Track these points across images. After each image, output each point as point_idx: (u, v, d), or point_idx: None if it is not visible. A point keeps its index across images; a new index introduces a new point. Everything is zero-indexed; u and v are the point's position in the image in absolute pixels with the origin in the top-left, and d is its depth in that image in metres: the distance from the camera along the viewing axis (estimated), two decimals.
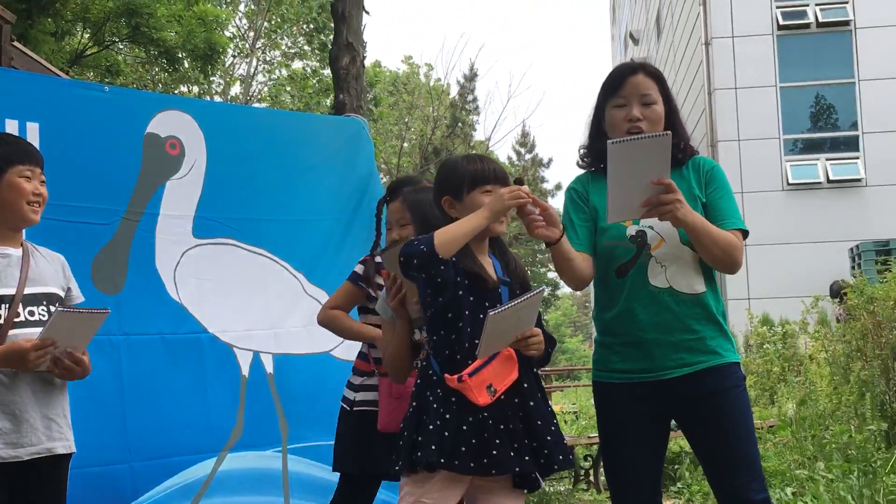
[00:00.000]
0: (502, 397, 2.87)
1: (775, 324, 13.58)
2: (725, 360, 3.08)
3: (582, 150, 3.30)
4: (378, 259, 3.75)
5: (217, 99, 22.12)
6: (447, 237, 2.85)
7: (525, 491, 2.97)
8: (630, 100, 3.15)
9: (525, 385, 2.95)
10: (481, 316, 2.84)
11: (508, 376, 2.90)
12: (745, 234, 3.14)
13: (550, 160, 42.32)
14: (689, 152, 3.23)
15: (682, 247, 3.08)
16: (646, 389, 3.07)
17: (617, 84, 3.19)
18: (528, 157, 40.55)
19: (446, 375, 2.85)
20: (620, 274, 3.13)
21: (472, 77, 29.95)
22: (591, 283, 3.25)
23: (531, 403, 2.92)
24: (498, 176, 3.05)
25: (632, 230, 3.13)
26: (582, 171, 3.32)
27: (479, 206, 2.98)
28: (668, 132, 2.82)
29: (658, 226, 3.06)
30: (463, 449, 2.78)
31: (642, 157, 2.78)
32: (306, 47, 22.80)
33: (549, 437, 2.90)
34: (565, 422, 12.41)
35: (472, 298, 2.92)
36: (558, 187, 40.68)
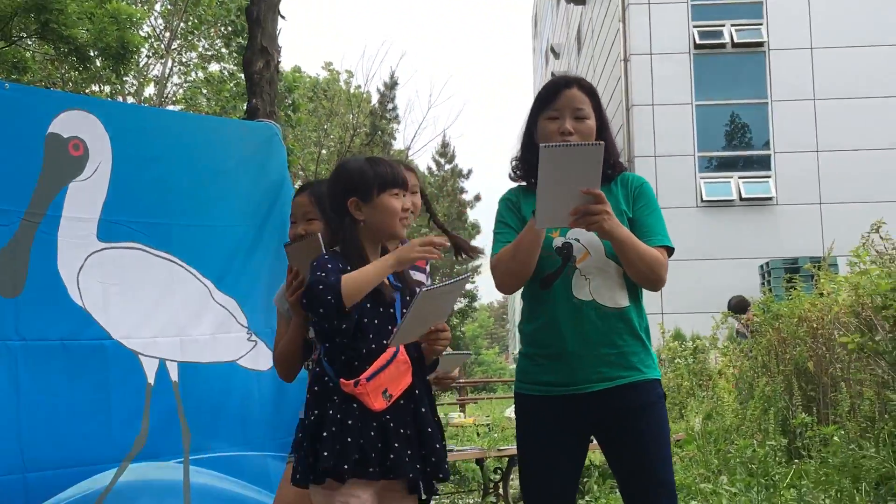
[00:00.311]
0: (401, 402, 2.89)
1: (687, 339, 13.83)
2: (646, 376, 3.11)
3: (514, 163, 3.32)
4: None
5: (130, 100, 21.70)
6: (354, 288, 2.84)
7: (418, 498, 2.98)
8: (563, 113, 3.17)
9: (416, 391, 2.97)
10: (376, 321, 2.88)
11: (403, 381, 2.92)
12: (670, 251, 3.17)
13: (470, 171, 42.50)
14: (618, 168, 3.27)
15: (608, 260, 3.11)
16: (566, 403, 3.10)
17: (551, 97, 3.21)
18: (447, 167, 40.70)
19: (342, 381, 2.85)
20: (545, 285, 3.15)
21: (392, 85, 29.98)
22: (517, 293, 3.29)
23: (422, 410, 2.95)
24: (402, 180, 3.08)
25: (558, 241, 3.15)
26: (514, 185, 3.34)
27: (389, 209, 3.00)
28: (601, 142, 2.85)
29: (584, 238, 3.09)
30: (372, 455, 2.80)
31: (574, 164, 2.80)
32: (224, 50, 22.52)
33: (437, 446, 2.93)
34: (477, 434, 12.45)
35: (368, 305, 2.93)
36: (477, 198, 40.90)
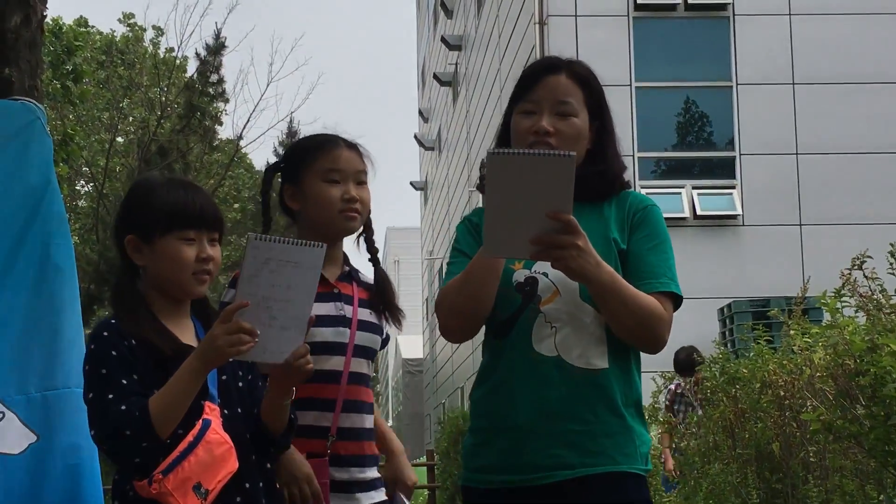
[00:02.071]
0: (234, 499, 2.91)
1: None
2: (621, 467, 3.12)
3: (482, 170, 3.33)
4: None
5: None
6: (166, 416, 2.91)
7: None
8: (541, 106, 3.22)
9: (247, 485, 2.99)
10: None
11: (222, 469, 2.93)
12: (676, 300, 3.20)
13: None
14: (619, 186, 3.32)
15: (583, 304, 3.15)
16: (519, 500, 3.11)
17: (528, 83, 3.27)
18: None
19: (135, 483, 2.91)
20: (499, 332, 3.20)
21: (217, 48, 29.69)
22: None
23: None
24: (206, 217, 3.10)
25: (520, 275, 3.20)
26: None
27: (172, 257, 3.04)
28: (572, 153, 2.86)
29: (555, 273, 3.09)
30: None
31: (536, 179, 2.84)
32: None
33: None
34: None
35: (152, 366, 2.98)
36: None
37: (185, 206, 3.09)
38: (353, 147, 3.70)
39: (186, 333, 3.17)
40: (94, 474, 4.56)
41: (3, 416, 4.69)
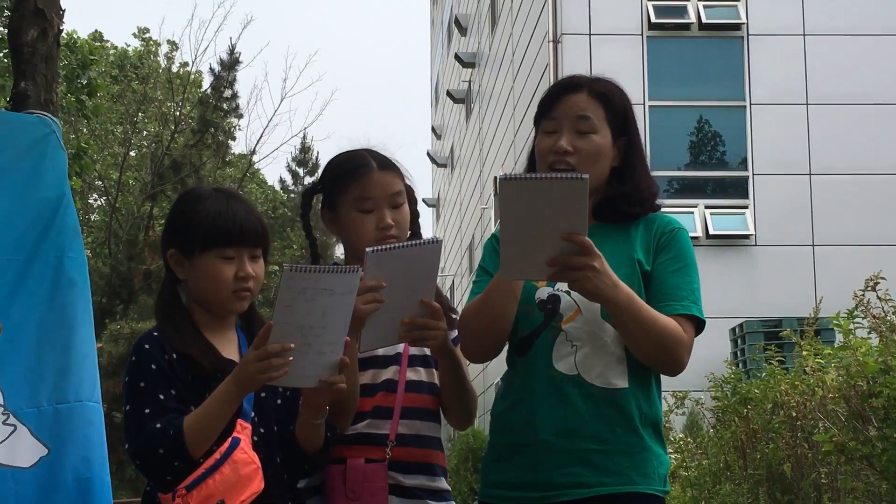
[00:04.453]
0: None
1: None
2: (639, 488, 3.12)
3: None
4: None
5: None
6: (201, 437, 2.93)
7: None
8: (561, 124, 3.22)
9: None
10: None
11: (247, 489, 2.93)
12: (698, 324, 3.22)
13: None
14: (648, 208, 3.32)
15: (604, 323, 3.15)
16: None
17: (550, 103, 3.27)
18: (309, 180, 40.65)
19: (160, 495, 2.92)
20: (521, 350, 3.21)
21: (231, 64, 29.84)
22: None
23: None
24: (246, 234, 3.10)
25: (543, 293, 3.20)
26: None
27: (210, 275, 3.05)
28: (585, 175, 2.86)
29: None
30: None
31: (550, 202, 2.86)
32: None
33: None
34: None
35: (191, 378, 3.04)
36: None
37: (225, 222, 3.07)
38: (386, 167, 3.54)
39: (229, 347, 3.17)
40: (104, 488, 4.56)
41: (15, 429, 4.70)
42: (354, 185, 3.45)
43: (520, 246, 2.91)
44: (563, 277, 2.95)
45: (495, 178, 27.56)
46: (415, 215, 3.63)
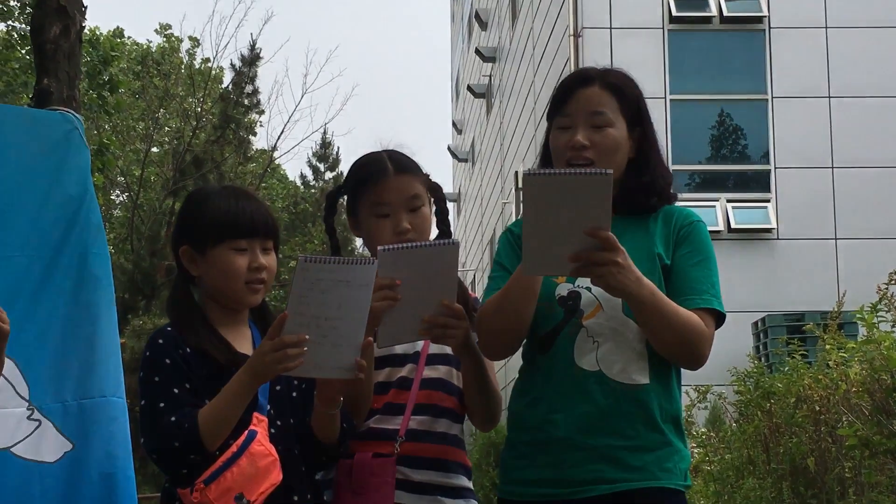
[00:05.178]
0: None
1: None
2: (662, 483, 3.12)
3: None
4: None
5: None
6: (215, 430, 2.94)
7: None
8: (576, 119, 3.21)
9: (295, 497, 3.00)
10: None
11: (265, 479, 2.94)
12: (718, 317, 3.21)
13: None
14: (664, 199, 3.33)
15: (625, 319, 3.15)
16: None
17: (562, 98, 3.26)
18: (329, 175, 40.66)
19: (179, 491, 2.94)
20: (542, 347, 3.20)
21: (252, 59, 29.88)
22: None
23: None
24: (257, 225, 3.12)
25: (563, 289, 3.20)
26: None
27: (224, 269, 3.06)
28: (609, 171, 2.86)
29: (598, 287, 3.08)
30: None
31: (573, 197, 2.86)
32: (13, 1, 22.26)
33: None
34: None
35: (205, 373, 3.05)
36: None
37: (236, 215, 3.10)
38: (403, 170, 3.52)
39: (243, 342, 3.19)
40: (128, 483, 4.59)
41: (40, 424, 4.72)
42: (371, 191, 3.46)
43: (542, 241, 2.91)
44: (586, 273, 2.94)
45: (516, 172, 27.55)
46: (444, 213, 3.62)
